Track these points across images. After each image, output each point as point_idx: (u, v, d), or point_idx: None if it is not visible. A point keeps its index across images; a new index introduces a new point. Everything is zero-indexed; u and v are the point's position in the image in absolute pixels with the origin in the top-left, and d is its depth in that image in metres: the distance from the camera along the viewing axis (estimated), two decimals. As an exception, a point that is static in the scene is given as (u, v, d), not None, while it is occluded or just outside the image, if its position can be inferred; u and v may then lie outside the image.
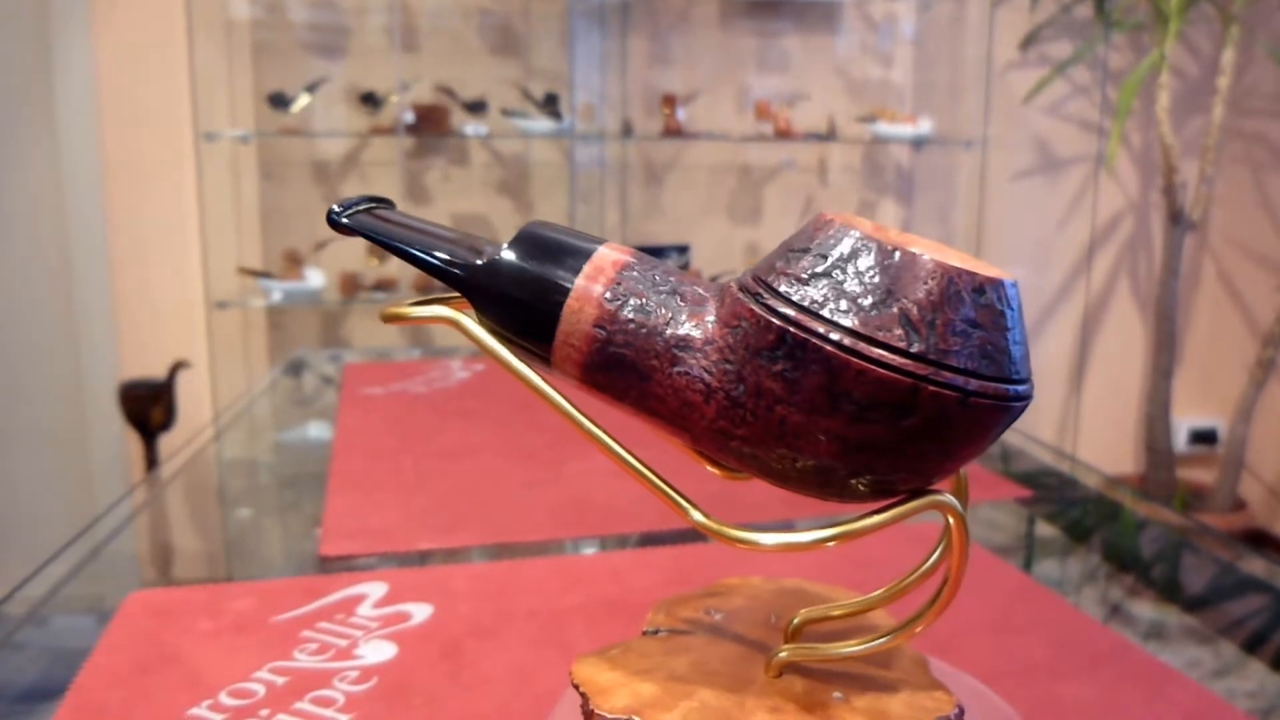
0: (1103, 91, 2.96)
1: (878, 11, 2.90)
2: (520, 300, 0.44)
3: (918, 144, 2.92)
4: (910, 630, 0.43)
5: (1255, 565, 0.85)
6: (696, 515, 0.44)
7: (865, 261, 0.39)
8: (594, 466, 1.05)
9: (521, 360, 0.45)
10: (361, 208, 0.47)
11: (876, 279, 0.39)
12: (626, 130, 2.78)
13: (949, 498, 0.42)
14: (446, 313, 0.45)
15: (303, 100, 2.60)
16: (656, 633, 0.50)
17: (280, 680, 0.61)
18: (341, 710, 0.58)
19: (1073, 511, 1.04)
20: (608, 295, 0.43)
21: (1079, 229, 3.04)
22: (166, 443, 2.52)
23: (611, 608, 0.72)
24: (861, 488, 0.41)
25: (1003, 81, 2.91)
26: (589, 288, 0.44)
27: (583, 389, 0.45)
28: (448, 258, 0.46)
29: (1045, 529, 0.97)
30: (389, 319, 0.46)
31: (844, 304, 0.39)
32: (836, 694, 0.43)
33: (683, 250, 2.82)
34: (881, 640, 0.44)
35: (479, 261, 0.45)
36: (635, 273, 0.44)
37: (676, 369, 0.43)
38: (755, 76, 2.86)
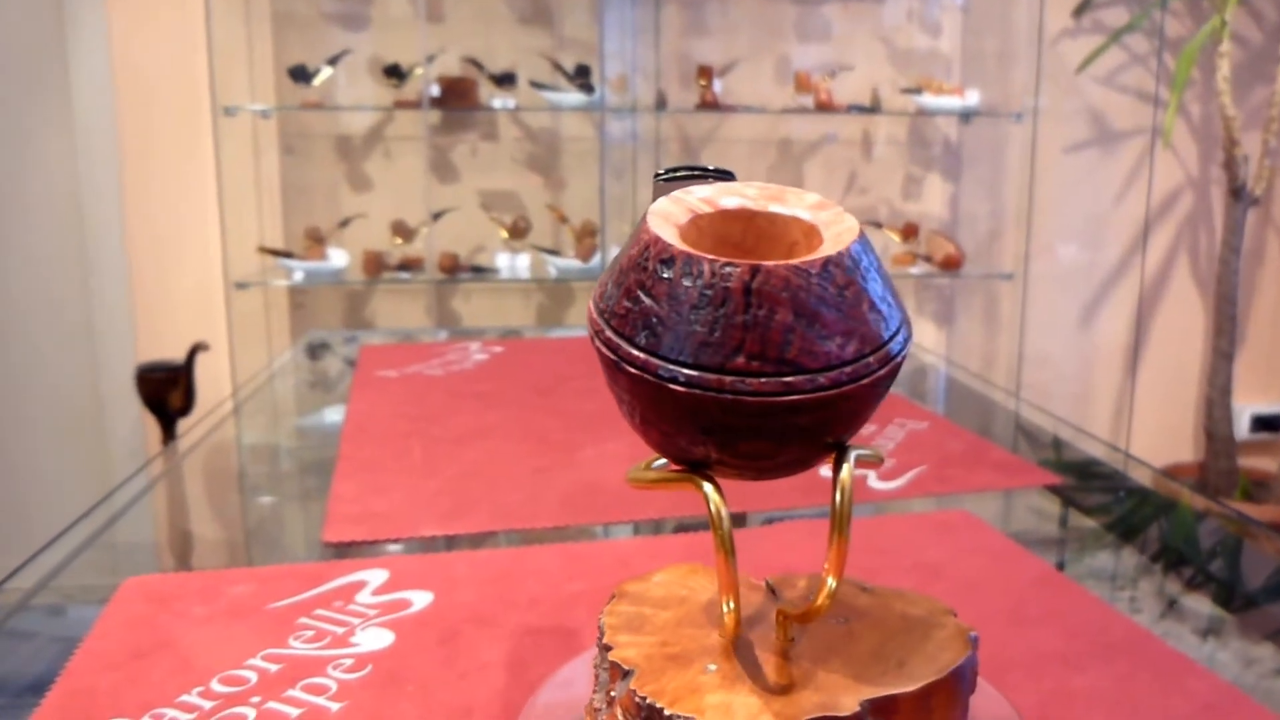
0: (1160, 60, 2.86)
1: (923, -23, 2.81)
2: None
3: (965, 116, 2.83)
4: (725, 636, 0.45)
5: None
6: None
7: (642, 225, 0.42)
8: (607, 451, 1.04)
9: None
10: (680, 174, 0.51)
11: (630, 242, 0.42)
12: (660, 103, 2.70)
13: (702, 479, 0.43)
14: None
15: (325, 73, 2.54)
16: (760, 581, 0.53)
17: (274, 667, 0.61)
18: (333, 698, 0.58)
19: (1116, 505, 1.01)
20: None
21: (1135, 205, 2.94)
22: (185, 427, 2.47)
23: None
24: (653, 443, 0.43)
25: (1054, 50, 2.81)
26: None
27: None
28: None
29: (1086, 521, 0.96)
30: None
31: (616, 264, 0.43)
32: (711, 665, 0.45)
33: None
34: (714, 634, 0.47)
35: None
36: None
37: None
38: (795, 46, 2.78)
